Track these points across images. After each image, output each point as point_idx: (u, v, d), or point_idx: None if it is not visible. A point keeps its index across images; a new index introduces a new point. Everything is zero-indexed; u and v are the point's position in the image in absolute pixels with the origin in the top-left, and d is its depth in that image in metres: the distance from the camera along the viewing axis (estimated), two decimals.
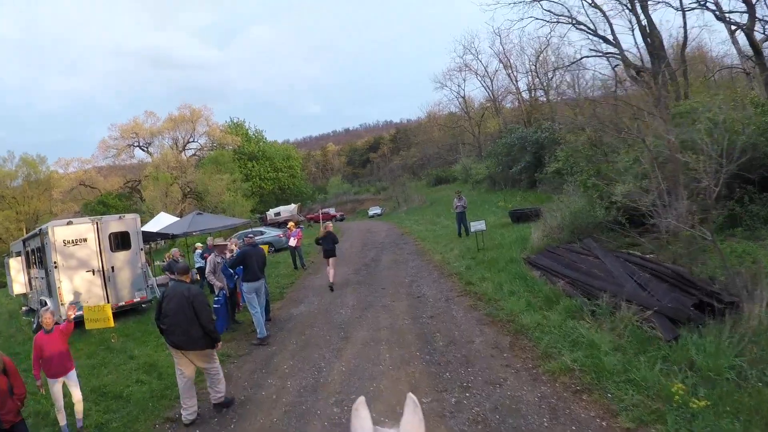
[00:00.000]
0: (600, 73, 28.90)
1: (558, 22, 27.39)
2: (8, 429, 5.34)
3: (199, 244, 18.08)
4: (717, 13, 21.87)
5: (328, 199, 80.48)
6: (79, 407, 6.59)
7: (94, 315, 9.92)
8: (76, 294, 13.08)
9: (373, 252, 21.31)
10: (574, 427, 4.99)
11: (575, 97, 34.91)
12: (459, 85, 70.52)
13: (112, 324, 10.21)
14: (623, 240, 11.55)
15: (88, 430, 6.68)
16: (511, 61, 56.16)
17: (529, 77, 54.63)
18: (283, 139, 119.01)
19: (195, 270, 15.67)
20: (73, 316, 6.77)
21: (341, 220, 56.85)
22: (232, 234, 27.13)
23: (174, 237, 19.30)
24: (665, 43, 25.01)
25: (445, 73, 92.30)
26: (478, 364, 6.97)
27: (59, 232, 13.19)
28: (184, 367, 6.66)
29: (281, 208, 54.35)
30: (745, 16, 20.79)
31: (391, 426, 1.49)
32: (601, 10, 25.01)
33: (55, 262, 12.91)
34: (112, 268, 13.89)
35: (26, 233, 19.10)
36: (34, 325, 8.46)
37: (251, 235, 11.95)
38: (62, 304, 12.66)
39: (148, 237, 17.89)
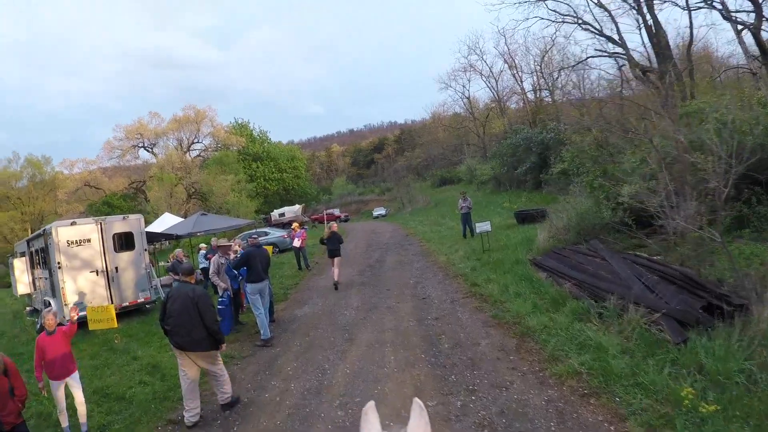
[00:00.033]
0: (607, 72, 28.82)
1: (563, 22, 27.28)
2: (9, 431, 5.29)
3: (203, 245, 18.06)
4: (723, 12, 21.72)
5: (333, 199, 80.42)
6: (82, 409, 6.52)
7: (98, 316, 9.89)
8: (81, 294, 13.07)
9: (377, 253, 21.24)
10: None
11: (581, 97, 34.84)
12: (464, 86, 70.29)
13: (115, 325, 10.18)
14: (630, 241, 11.46)
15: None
16: (516, 61, 56.02)
17: (534, 77, 54.56)
18: (288, 139, 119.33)
19: (199, 271, 15.63)
20: (76, 318, 6.72)
21: (346, 220, 56.79)
22: (237, 235, 27.12)
23: (178, 238, 19.29)
24: (671, 42, 24.91)
25: (450, 73, 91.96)
26: (484, 366, 6.89)
27: (63, 233, 13.17)
28: (188, 368, 6.62)
29: (286, 209, 54.38)
30: (752, 16, 20.64)
31: (398, 430, 1.46)
32: (606, 9, 24.90)
33: (58, 263, 12.89)
34: (116, 268, 13.87)
35: (31, 234, 19.06)
36: (38, 326, 8.44)
37: (255, 236, 11.91)
38: (66, 305, 12.62)
39: (152, 237, 17.88)
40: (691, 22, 23.71)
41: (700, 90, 21.61)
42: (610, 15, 24.94)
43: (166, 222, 22.64)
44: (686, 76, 23.53)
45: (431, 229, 27.99)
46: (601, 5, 24.94)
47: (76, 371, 6.60)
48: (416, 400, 1.50)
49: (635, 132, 11.23)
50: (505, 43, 56.00)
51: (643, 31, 24.06)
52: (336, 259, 14.70)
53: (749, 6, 20.79)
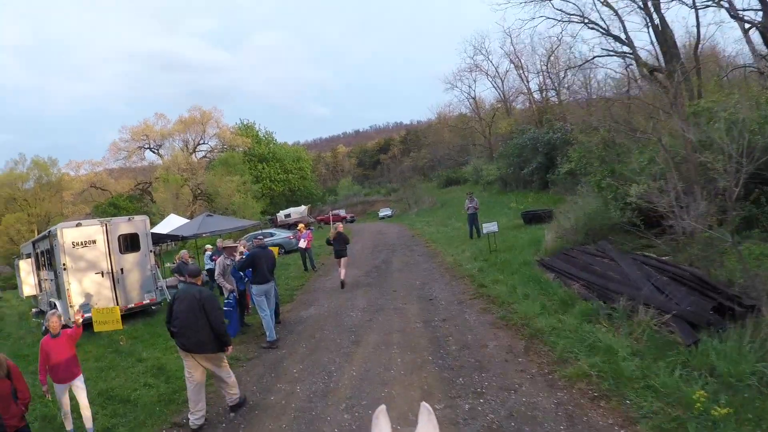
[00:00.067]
0: (614, 71, 28.64)
1: (570, 21, 27.06)
2: None
3: (208, 246, 18.05)
4: (730, 11, 21.54)
5: (339, 200, 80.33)
6: (86, 413, 6.45)
7: (103, 317, 9.89)
8: (87, 296, 13.07)
9: (383, 254, 21.20)
10: None
11: (588, 97, 34.68)
12: (469, 86, 70.27)
13: (120, 326, 10.18)
14: (638, 242, 11.36)
15: None
16: (522, 61, 55.87)
17: (541, 77, 54.34)
18: (294, 140, 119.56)
19: (205, 272, 15.61)
20: (81, 321, 6.68)
21: (351, 221, 56.78)
22: (242, 235, 27.11)
23: (184, 239, 19.28)
24: (679, 41, 24.73)
25: (456, 73, 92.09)
26: (492, 369, 6.81)
27: (68, 234, 13.17)
28: (194, 370, 6.57)
29: (291, 210, 54.37)
30: (760, 14, 20.46)
31: None
32: (612, 8, 24.68)
33: (63, 264, 12.88)
34: (122, 269, 13.86)
35: (37, 235, 19.10)
36: (43, 328, 8.41)
37: (260, 237, 11.86)
38: (71, 306, 12.65)
39: (157, 239, 17.87)
40: (698, 21, 23.51)
41: (707, 89, 21.45)
42: (617, 14, 24.75)
43: (171, 223, 22.65)
44: (693, 75, 23.38)
45: (437, 230, 27.94)
46: (607, 4, 24.76)
47: (81, 375, 6.53)
48: (424, 403, 1.50)
49: (643, 131, 11.12)
50: (511, 43, 55.55)
51: (650, 30, 23.89)
52: (342, 260, 14.80)
53: (757, 4, 20.63)
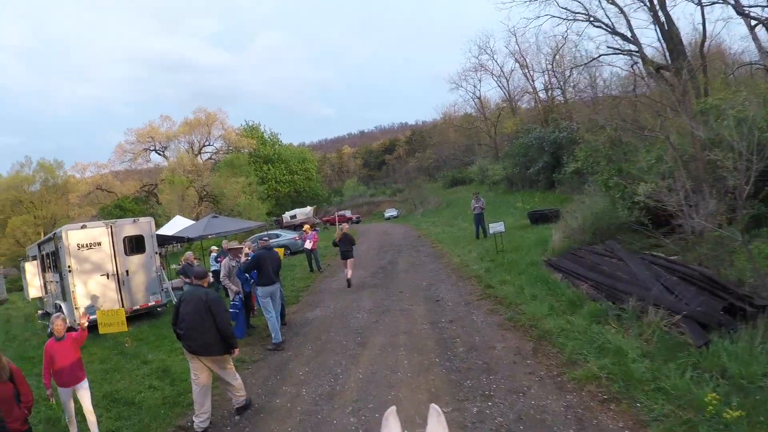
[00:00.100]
0: (621, 68, 28.49)
1: (575, 20, 26.95)
2: None
3: (214, 248, 18.03)
4: (736, 7, 21.38)
5: (344, 201, 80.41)
6: (91, 418, 6.37)
7: (108, 319, 9.86)
8: (94, 298, 13.06)
9: (389, 254, 21.15)
10: None
11: (593, 95, 34.50)
12: (474, 86, 70.55)
13: (125, 328, 10.14)
14: (646, 241, 11.25)
15: None
16: (528, 60, 55.74)
17: (546, 76, 54.18)
18: (299, 141, 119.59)
19: (210, 273, 15.60)
20: (86, 324, 6.63)
21: (357, 222, 56.75)
22: (248, 237, 27.10)
23: (189, 240, 19.27)
24: (685, 38, 24.55)
25: (461, 73, 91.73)
26: (500, 371, 6.73)
27: (73, 236, 13.16)
28: (200, 372, 6.54)
29: (297, 211, 54.36)
30: (767, 11, 20.31)
31: None
32: (618, 6, 24.57)
33: (69, 266, 12.88)
34: (127, 271, 13.84)
35: (43, 237, 19.15)
36: (49, 330, 8.37)
37: (266, 238, 11.82)
38: (76, 308, 12.64)
39: (163, 240, 17.86)
40: (703, 18, 23.44)
41: (713, 87, 21.29)
42: (622, 12, 24.63)
43: (177, 225, 22.66)
44: (699, 73, 23.21)
45: (443, 230, 27.88)
46: (613, 2, 24.64)
47: (85, 379, 6.46)
48: (433, 405, 1.51)
49: (651, 130, 11.01)
50: (516, 42, 55.40)
51: (656, 27, 23.74)
52: (349, 261, 14.87)
53: (763, 1, 20.46)
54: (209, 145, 66.79)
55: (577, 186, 21.23)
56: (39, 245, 16.71)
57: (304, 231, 20.45)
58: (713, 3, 22.66)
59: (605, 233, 12.32)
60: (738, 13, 21.55)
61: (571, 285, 9.69)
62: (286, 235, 29.05)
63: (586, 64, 30.52)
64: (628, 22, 24.50)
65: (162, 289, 14.48)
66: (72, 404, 6.38)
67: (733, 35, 62.37)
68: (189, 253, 15.20)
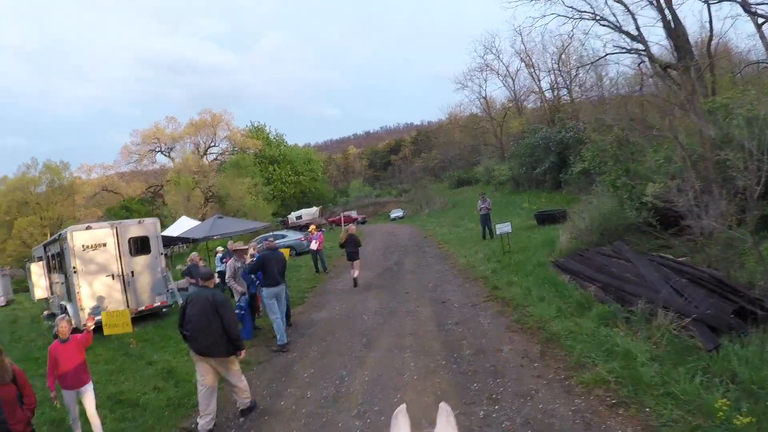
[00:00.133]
0: (628, 67, 28.32)
1: (581, 19, 26.83)
2: None
3: (219, 248, 18.02)
4: (743, 5, 21.23)
5: (350, 202, 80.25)
6: (95, 421, 6.31)
7: (113, 320, 9.85)
8: (99, 299, 13.07)
9: (395, 255, 21.09)
10: None
11: (599, 95, 34.32)
12: (480, 86, 69.65)
13: (130, 329, 10.14)
14: (654, 242, 11.15)
15: None
16: (533, 59, 55.50)
17: (552, 76, 53.94)
18: (304, 142, 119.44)
19: (216, 273, 15.60)
20: (92, 327, 6.59)
21: (363, 222, 56.67)
22: (254, 237, 27.09)
23: (194, 241, 19.27)
24: (692, 37, 24.41)
25: (466, 73, 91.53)
26: (508, 374, 6.65)
27: (78, 237, 13.16)
28: (206, 374, 6.53)
29: (303, 211, 54.40)
30: None
31: None
32: (624, 4, 24.44)
33: (74, 267, 12.88)
34: (132, 272, 13.84)
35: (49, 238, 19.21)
36: (54, 331, 8.34)
37: (271, 239, 11.78)
38: (81, 309, 12.66)
39: (168, 241, 17.85)
40: (710, 17, 23.21)
41: (720, 86, 21.16)
42: (628, 10, 24.50)
43: (183, 225, 22.67)
44: (707, 71, 23.05)
45: (450, 231, 27.79)
46: (619, 0, 24.52)
47: (90, 382, 6.41)
48: (443, 404, 1.49)
49: (659, 129, 10.91)
50: (522, 42, 55.14)
51: (663, 26, 23.59)
52: (355, 262, 14.86)
53: None
54: (215, 146, 66.99)
55: (584, 186, 21.11)
56: (44, 246, 16.74)
57: (310, 232, 20.41)
58: (720, 0, 22.52)
59: (613, 234, 12.22)
60: (745, 10, 21.43)
61: (579, 287, 9.59)
62: (292, 236, 29.02)
63: (592, 63, 30.44)
64: (634, 20, 24.37)
65: (168, 290, 14.47)
66: (76, 407, 6.34)
67: (739, 33, 61.94)
68: (194, 254, 15.17)
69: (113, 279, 13.50)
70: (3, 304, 30.02)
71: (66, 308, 13.17)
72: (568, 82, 50.17)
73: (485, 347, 7.88)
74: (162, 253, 14.74)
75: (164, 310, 14.42)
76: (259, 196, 52.64)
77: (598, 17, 25.92)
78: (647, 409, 5.08)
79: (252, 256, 11.79)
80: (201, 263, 14.12)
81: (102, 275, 13.36)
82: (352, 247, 14.83)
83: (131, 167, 63.62)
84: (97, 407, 6.45)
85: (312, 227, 21.15)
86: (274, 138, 70.84)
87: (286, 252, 14.86)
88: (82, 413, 6.42)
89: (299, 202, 65.90)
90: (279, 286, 10.11)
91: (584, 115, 35.40)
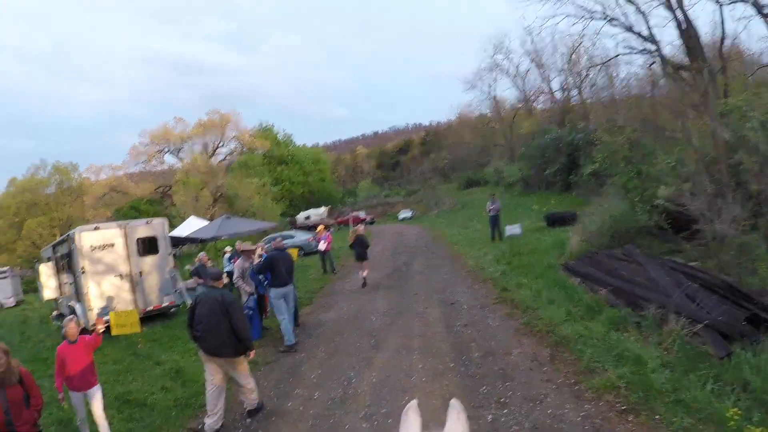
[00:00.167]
0: (639, 67, 28.17)
1: (591, 19, 26.65)
2: None
3: (228, 248, 18.05)
4: (756, 6, 21.03)
5: (358, 202, 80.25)
6: (102, 423, 6.28)
7: (122, 320, 9.88)
8: (107, 299, 13.10)
9: (404, 256, 21.05)
10: None
11: (610, 95, 34.12)
12: (489, 86, 69.38)
13: (139, 329, 10.16)
14: (665, 246, 11.04)
15: None
16: (544, 59, 55.33)
17: (563, 76, 53.73)
18: (313, 142, 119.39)
19: (224, 273, 15.61)
20: (102, 330, 6.59)
21: (371, 223, 56.61)
22: (263, 237, 27.11)
23: (203, 241, 19.32)
24: (704, 38, 24.19)
25: (476, 73, 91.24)
26: (517, 378, 6.59)
27: (86, 238, 13.21)
28: (215, 374, 6.53)
29: (311, 212, 54.45)
30: None
31: None
32: (635, 4, 24.25)
33: (82, 268, 12.94)
34: (140, 272, 13.88)
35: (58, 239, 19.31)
36: (63, 332, 8.32)
37: (279, 238, 11.77)
38: (90, 309, 12.70)
39: (177, 241, 17.89)
40: (722, 18, 23.01)
41: (732, 89, 20.97)
42: (640, 11, 24.31)
43: (191, 225, 22.72)
44: (719, 73, 22.85)
45: (459, 232, 27.70)
46: (630, 1, 24.35)
47: (97, 384, 6.38)
48: (454, 401, 1.46)
49: (672, 131, 10.81)
50: (532, 42, 55.11)
51: (676, 26, 23.42)
52: (364, 263, 14.96)
53: None
54: (223, 146, 67.03)
55: (594, 188, 20.95)
56: (53, 247, 16.82)
57: (318, 232, 20.40)
58: (733, 2, 22.32)
59: (624, 237, 12.10)
60: (758, 12, 21.24)
61: (589, 290, 9.50)
62: (300, 236, 29.02)
63: (603, 63, 30.25)
64: (646, 21, 24.18)
65: (175, 290, 14.49)
66: (83, 408, 6.34)
67: (751, 35, 61.44)
68: (202, 254, 15.18)
69: (121, 279, 13.55)
70: (13, 304, 30.23)
71: (74, 310, 13.22)
72: (578, 83, 49.95)
73: (494, 350, 7.82)
74: (170, 253, 14.77)
75: (172, 310, 14.45)
76: (268, 197, 52.63)
77: (608, 17, 25.75)
78: (657, 417, 5.01)
79: (260, 256, 11.79)
80: (209, 263, 14.14)
81: (110, 275, 13.40)
82: (360, 248, 14.83)
83: (140, 168, 63.84)
84: (105, 407, 6.44)
85: (320, 227, 21.13)
86: (283, 138, 70.89)
87: (294, 252, 14.87)
88: (90, 414, 6.42)
89: (308, 202, 65.86)
90: (287, 286, 10.09)
91: (595, 116, 35.25)
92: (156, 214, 46.51)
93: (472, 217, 34.93)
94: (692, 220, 9.18)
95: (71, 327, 6.29)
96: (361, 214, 57.29)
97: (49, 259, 17.03)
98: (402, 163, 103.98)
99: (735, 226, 7.97)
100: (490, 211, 20.91)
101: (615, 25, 25.62)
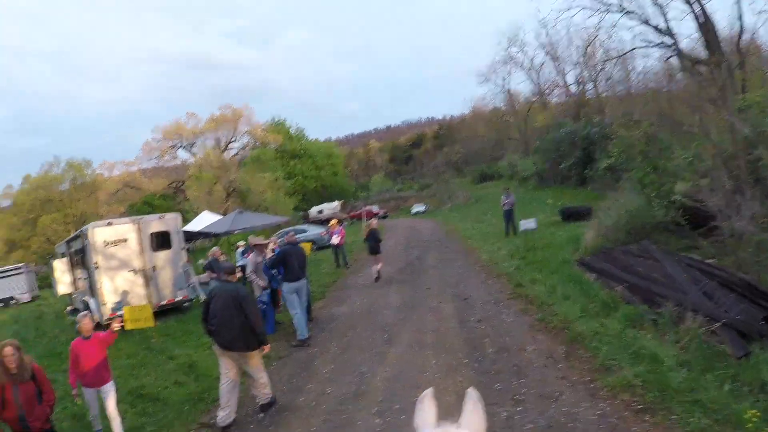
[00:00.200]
0: (656, 60, 27.84)
1: (608, 11, 26.35)
2: None
3: (241, 242, 18.10)
4: None
5: (371, 196, 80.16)
6: (115, 419, 6.25)
7: (135, 315, 9.94)
8: (122, 294, 13.22)
9: (417, 250, 20.98)
10: None
11: (626, 90, 33.77)
12: (504, 79, 68.75)
13: (152, 324, 10.22)
14: (681, 242, 10.91)
15: None
16: (559, 53, 54.83)
17: (578, 69, 53.19)
18: (325, 137, 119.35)
19: (238, 267, 15.66)
20: (117, 328, 6.62)
21: (384, 217, 56.54)
22: (275, 232, 27.17)
23: (216, 236, 19.39)
24: (722, 32, 23.87)
25: (490, 66, 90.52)
26: (531, 374, 6.53)
27: (99, 233, 13.33)
28: (230, 368, 6.56)
29: (324, 206, 54.49)
30: None
31: (452, 423, 1.37)
32: None
33: (96, 263, 13.04)
34: (154, 267, 13.96)
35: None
36: (77, 327, 8.36)
37: (292, 233, 11.76)
38: (104, 304, 12.81)
39: (190, 236, 17.96)
40: (740, 12, 22.68)
41: (751, 84, 20.66)
42: (657, 3, 24.00)
43: (204, 220, 22.78)
44: (737, 68, 22.52)
45: (472, 226, 27.54)
46: None
47: (111, 381, 6.40)
48: (471, 390, 1.45)
49: (689, 126, 10.66)
50: (547, 34, 54.52)
51: (694, 20, 23.11)
52: (377, 257, 15.03)
53: None
54: (235, 141, 67.15)
55: (609, 183, 20.76)
56: (67, 242, 17.00)
57: (331, 226, 20.39)
58: None
59: (640, 233, 11.95)
60: None
61: (605, 286, 9.39)
62: (313, 230, 29.04)
63: (619, 56, 29.93)
64: (663, 14, 23.89)
65: (189, 285, 14.57)
66: (97, 404, 6.37)
67: None
68: (215, 249, 15.24)
69: (135, 274, 13.66)
70: (28, 300, 30.65)
71: (88, 303, 13.32)
72: (594, 76, 49.42)
73: (508, 346, 7.76)
74: (183, 248, 14.84)
75: (186, 304, 14.54)
76: (281, 191, 52.73)
77: (625, 10, 25.46)
78: (674, 416, 4.92)
79: (273, 250, 11.80)
80: (222, 258, 14.19)
81: (124, 270, 13.52)
82: (373, 242, 14.85)
83: (153, 163, 64.02)
84: (118, 402, 6.47)
85: (333, 222, 21.13)
86: (295, 132, 70.92)
87: (307, 246, 14.89)
88: (103, 410, 6.45)
89: (320, 196, 65.90)
90: (300, 280, 10.10)
91: (610, 110, 34.89)
92: (169, 209, 46.66)
93: (486, 211, 34.75)
94: (710, 217, 9.04)
95: (85, 323, 6.31)
96: (374, 208, 57.30)
97: (63, 255, 17.18)
98: (415, 157, 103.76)
99: (753, 223, 7.83)
100: (504, 205, 20.75)
101: (631, 18, 25.39)
